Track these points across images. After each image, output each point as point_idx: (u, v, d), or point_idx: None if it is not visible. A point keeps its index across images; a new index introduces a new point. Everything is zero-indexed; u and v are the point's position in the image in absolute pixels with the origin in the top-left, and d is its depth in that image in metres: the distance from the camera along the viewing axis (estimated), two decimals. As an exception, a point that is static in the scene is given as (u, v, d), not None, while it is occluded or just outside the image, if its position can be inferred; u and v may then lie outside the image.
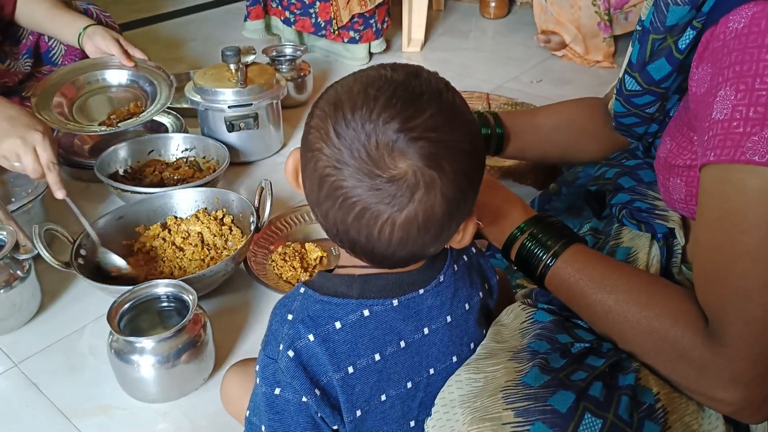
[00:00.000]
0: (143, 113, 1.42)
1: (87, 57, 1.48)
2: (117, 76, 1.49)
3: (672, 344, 0.59)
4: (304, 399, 0.59)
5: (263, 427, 0.62)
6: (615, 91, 0.80)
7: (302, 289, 0.62)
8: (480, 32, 2.37)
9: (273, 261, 1.18)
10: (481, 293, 0.68)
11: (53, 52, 1.55)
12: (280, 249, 1.20)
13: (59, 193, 1.12)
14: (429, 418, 0.62)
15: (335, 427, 0.62)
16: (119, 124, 1.39)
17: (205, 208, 1.26)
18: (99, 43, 1.43)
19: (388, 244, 0.54)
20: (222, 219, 1.23)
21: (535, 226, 0.70)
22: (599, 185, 0.85)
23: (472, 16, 2.47)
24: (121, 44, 1.45)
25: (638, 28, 0.75)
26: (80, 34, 1.44)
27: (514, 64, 2.08)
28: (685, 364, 0.59)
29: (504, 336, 0.67)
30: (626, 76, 0.74)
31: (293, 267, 1.16)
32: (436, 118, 0.52)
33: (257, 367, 0.62)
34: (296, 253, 1.19)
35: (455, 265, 0.66)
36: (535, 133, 0.94)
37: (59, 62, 1.54)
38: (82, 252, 1.10)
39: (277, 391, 0.60)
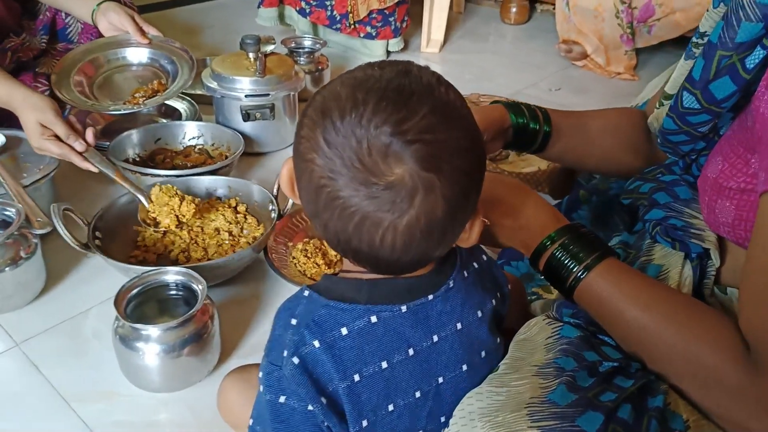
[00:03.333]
0: (167, 91, 1.40)
1: (102, 35, 1.46)
2: (137, 55, 1.47)
3: (708, 368, 0.57)
4: (310, 407, 0.57)
5: None
6: (660, 107, 0.78)
7: (307, 292, 0.60)
8: (499, 37, 2.36)
9: (294, 258, 1.16)
10: (494, 301, 0.66)
11: (70, 29, 1.53)
12: (300, 245, 1.18)
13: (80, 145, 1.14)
14: (446, 430, 0.60)
15: None
16: (145, 102, 1.37)
17: (219, 197, 1.24)
18: (113, 19, 1.41)
19: (392, 251, 0.52)
20: (236, 207, 1.22)
21: (566, 236, 0.67)
22: (632, 199, 0.83)
23: (492, 20, 2.45)
24: (135, 21, 1.42)
25: (697, 41, 0.72)
26: (94, 10, 1.42)
27: (533, 70, 2.06)
28: (720, 391, 0.57)
29: (528, 350, 0.65)
30: (685, 92, 0.71)
31: (317, 264, 1.14)
32: (429, 117, 0.50)
33: (260, 374, 0.60)
34: (318, 250, 1.17)
35: (465, 271, 0.64)
36: (581, 135, 0.90)
37: (75, 40, 1.53)
38: (98, 234, 1.08)
39: (282, 399, 0.58)
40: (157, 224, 1.13)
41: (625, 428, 0.53)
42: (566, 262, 0.67)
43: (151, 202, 1.13)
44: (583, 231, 0.69)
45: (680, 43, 1.95)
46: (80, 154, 1.15)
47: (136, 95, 1.39)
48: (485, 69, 2.07)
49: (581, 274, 0.66)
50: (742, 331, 0.58)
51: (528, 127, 0.87)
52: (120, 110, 1.38)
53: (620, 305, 0.63)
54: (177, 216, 1.12)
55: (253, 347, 1.02)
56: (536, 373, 0.60)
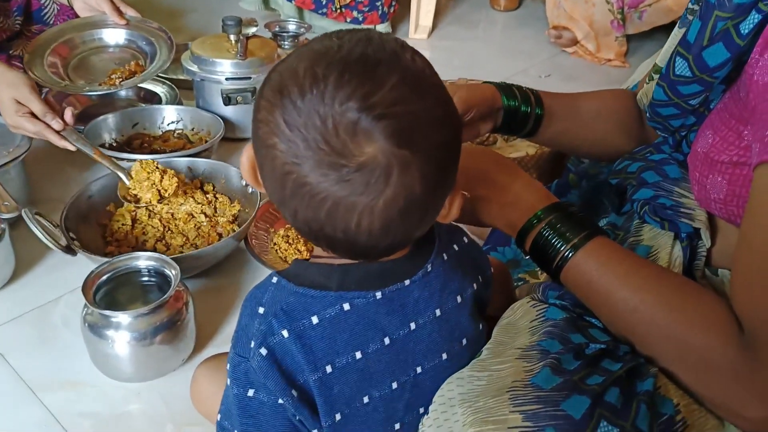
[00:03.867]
0: (145, 72, 1.35)
1: (78, 17, 1.41)
2: (114, 36, 1.42)
3: (700, 351, 0.54)
4: (280, 401, 0.54)
5: None
6: (650, 81, 0.75)
7: (275, 279, 0.56)
8: (489, 24, 2.32)
9: (276, 244, 1.12)
10: (475, 285, 0.62)
11: (45, 10, 1.47)
12: (281, 231, 1.14)
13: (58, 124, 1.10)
14: (426, 417, 0.57)
15: (314, 431, 0.56)
16: (122, 83, 1.33)
17: (201, 181, 1.20)
18: None
19: (369, 236, 0.49)
20: (202, 187, 1.18)
21: (554, 214, 0.64)
22: (620, 179, 0.79)
23: (481, 6, 2.41)
24: (112, 1, 1.38)
25: (692, 6, 0.69)
26: None
27: (522, 57, 2.02)
28: (711, 374, 0.54)
29: (511, 334, 0.61)
30: (677, 58, 0.68)
31: (298, 250, 1.10)
32: (398, 88, 0.46)
33: (228, 366, 0.57)
34: (299, 236, 1.13)
35: (445, 254, 0.60)
36: (574, 118, 0.86)
37: (51, 22, 1.47)
38: (72, 235, 1.03)
39: (251, 392, 0.54)
40: (137, 200, 1.09)
41: (612, 413, 0.50)
42: (553, 241, 0.63)
43: (131, 178, 1.10)
44: (572, 210, 0.65)
45: (672, 29, 1.93)
46: (57, 132, 1.10)
47: (113, 76, 1.35)
48: (474, 56, 2.03)
49: (569, 254, 0.63)
50: (735, 312, 0.55)
51: (519, 110, 0.83)
52: (96, 91, 1.33)
53: (609, 286, 0.59)
54: (159, 191, 1.09)
55: (230, 336, 0.97)
56: (519, 356, 0.56)
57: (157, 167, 1.10)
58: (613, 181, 0.81)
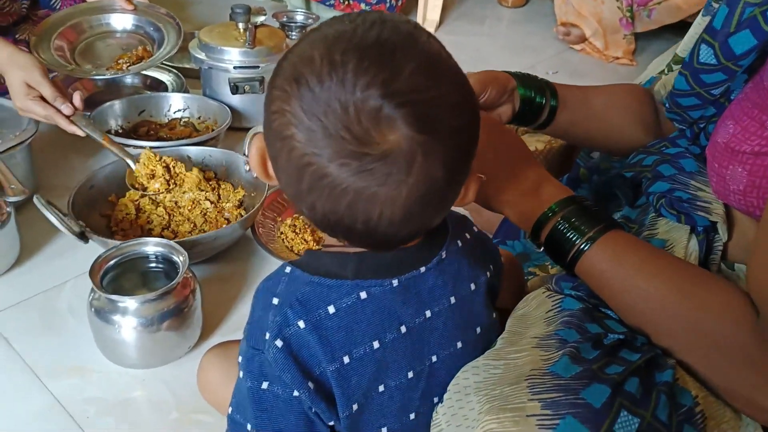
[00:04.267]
0: (154, 56, 1.34)
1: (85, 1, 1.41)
2: (122, 21, 1.41)
3: (715, 339, 0.54)
4: (295, 393, 0.53)
5: (249, 426, 0.55)
6: (669, 72, 0.74)
7: (288, 269, 0.55)
8: (496, 19, 2.31)
9: (282, 233, 1.12)
10: (488, 273, 0.62)
11: None
12: (288, 221, 1.13)
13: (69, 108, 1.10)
14: (440, 405, 0.56)
15: (331, 423, 0.55)
16: (129, 68, 1.32)
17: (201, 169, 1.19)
18: None
19: (390, 225, 0.48)
20: (203, 175, 1.17)
21: (569, 207, 0.63)
22: (635, 172, 0.79)
23: (489, 2, 2.40)
24: None
25: None
26: None
27: (529, 53, 2.02)
28: (727, 362, 0.53)
29: (526, 324, 0.61)
30: (702, 45, 0.67)
31: (305, 240, 1.10)
32: (418, 74, 0.45)
33: (240, 358, 0.56)
34: (307, 226, 1.12)
35: (459, 241, 0.59)
36: (588, 109, 0.85)
37: (57, 6, 1.46)
38: (81, 223, 1.01)
39: (265, 385, 0.53)
40: (145, 188, 1.09)
41: (632, 402, 0.49)
42: (568, 234, 0.63)
43: (140, 164, 1.09)
44: (587, 203, 0.65)
45: (680, 29, 1.92)
46: (67, 117, 1.10)
47: (120, 61, 1.34)
48: (481, 51, 2.03)
49: (584, 246, 0.62)
50: (751, 298, 0.54)
51: (534, 100, 0.82)
52: (103, 75, 1.32)
53: (624, 275, 0.59)
54: (167, 180, 1.09)
55: (237, 325, 0.98)
56: (536, 345, 0.56)
57: (162, 159, 1.10)
58: (628, 174, 0.80)
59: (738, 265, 0.68)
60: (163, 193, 1.09)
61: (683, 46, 0.74)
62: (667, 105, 0.76)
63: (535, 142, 1.31)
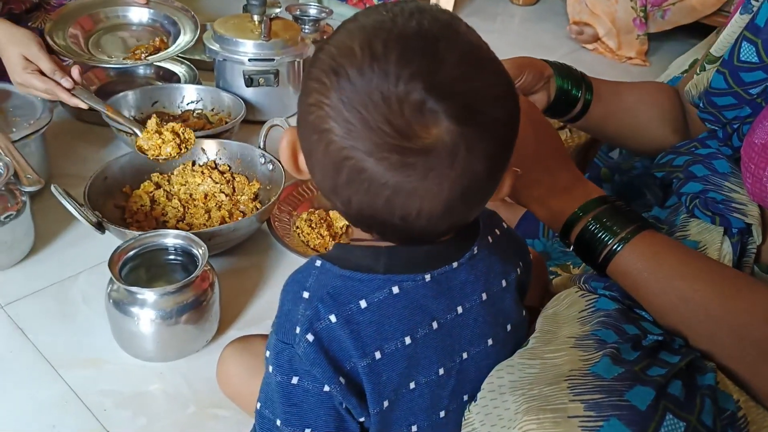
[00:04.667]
0: (171, 48, 1.33)
1: None
2: (138, 14, 1.40)
3: (758, 343, 0.53)
4: (326, 389, 0.52)
5: (278, 422, 0.54)
6: (702, 72, 0.73)
7: (318, 263, 0.54)
8: (508, 17, 2.30)
9: (298, 227, 1.11)
10: (518, 270, 0.61)
11: None
12: (304, 215, 1.12)
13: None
14: (473, 404, 0.55)
15: (361, 419, 0.54)
16: (147, 58, 1.31)
17: (215, 162, 1.18)
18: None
19: (428, 220, 0.47)
20: (217, 167, 1.16)
21: (601, 207, 0.62)
22: (665, 172, 0.78)
23: (500, 0, 2.39)
24: None
25: None
26: None
27: (541, 52, 1.98)
28: None
29: (558, 322, 0.60)
30: (744, 43, 0.66)
31: (321, 235, 1.09)
32: (460, 65, 0.44)
33: (268, 353, 0.55)
34: (322, 221, 1.11)
35: (489, 237, 0.58)
36: (619, 103, 0.84)
37: (69, -6, 1.45)
38: (97, 213, 1.00)
39: (295, 380, 0.52)
40: (156, 156, 1.09)
41: (677, 405, 0.48)
42: (600, 235, 0.62)
43: (147, 132, 1.09)
44: (618, 204, 0.64)
45: (694, 31, 1.91)
46: (68, 90, 1.09)
47: (137, 51, 1.33)
48: (493, 49, 2.02)
49: (617, 247, 0.61)
50: None
51: (570, 93, 0.82)
52: (123, 64, 1.31)
53: (660, 276, 0.58)
54: (179, 144, 1.08)
55: (254, 318, 0.97)
56: (574, 345, 0.55)
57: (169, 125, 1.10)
58: (659, 174, 0.79)
59: (772, 268, 0.68)
60: (175, 157, 1.09)
61: (719, 45, 0.73)
62: (701, 104, 0.75)
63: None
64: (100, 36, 1.38)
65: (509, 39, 2.11)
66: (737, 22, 0.71)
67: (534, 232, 1.01)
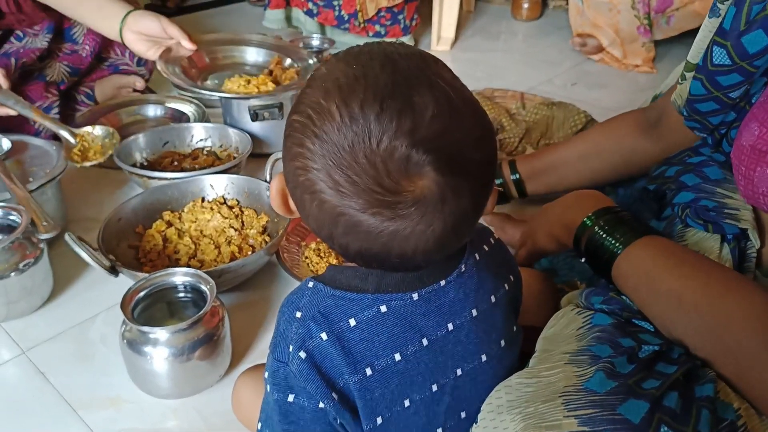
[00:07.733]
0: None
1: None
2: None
3: (739, 344, 0.52)
4: (321, 405, 0.53)
5: None
6: (683, 81, 0.73)
7: (311, 284, 0.56)
8: (511, 34, 2.32)
9: (307, 257, 1.12)
10: (506, 285, 0.62)
11: (75, 30, 1.50)
12: (313, 245, 1.14)
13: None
14: (474, 426, 0.56)
15: None
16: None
17: (223, 197, 1.20)
18: (146, 26, 1.33)
19: (423, 255, 0.50)
20: (226, 202, 1.18)
21: (605, 216, 0.65)
22: (658, 184, 0.78)
23: (503, 18, 2.41)
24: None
25: None
26: (120, 26, 1.34)
27: (547, 66, 2.01)
28: (753, 370, 0.52)
29: (557, 342, 0.60)
30: (715, 47, 0.67)
31: (330, 264, 1.10)
32: (439, 117, 0.46)
33: (266, 373, 0.57)
34: (331, 250, 1.13)
35: (477, 254, 0.60)
36: (556, 169, 0.94)
37: (80, 41, 1.50)
38: (111, 257, 1.02)
39: (291, 397, 0.54)
40: (85, 159, 1.18)
41: (672, 418, 0.48)
42: (604, 242, 0.64)
43: (77, 138, 1.18)
44: (622, 213, 0.66)
45: (698, 33, 1.90)
46: None
47: (249, 84, 1.42)
48: (497, 66, 2.03)
49: (618, 251, 0.63)
50: None
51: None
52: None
53: (658, 277, 0.59)
54: (102, 146, 1.18)
55: (265, 351, 0.95)
56: (569, 362, 0.55)
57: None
58: (651, 187, 0.80)
59: (775, 271, 0.67)
60: (101, 161, 1.20)
61: (693, 52, 0.73)
62: (685, 113, 0.75)
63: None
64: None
65: (514, 56, 2.13)
66: (707, 26, 0.71)
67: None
